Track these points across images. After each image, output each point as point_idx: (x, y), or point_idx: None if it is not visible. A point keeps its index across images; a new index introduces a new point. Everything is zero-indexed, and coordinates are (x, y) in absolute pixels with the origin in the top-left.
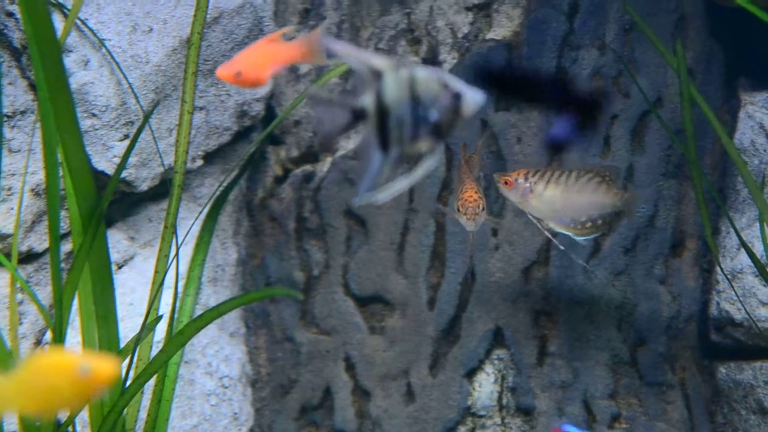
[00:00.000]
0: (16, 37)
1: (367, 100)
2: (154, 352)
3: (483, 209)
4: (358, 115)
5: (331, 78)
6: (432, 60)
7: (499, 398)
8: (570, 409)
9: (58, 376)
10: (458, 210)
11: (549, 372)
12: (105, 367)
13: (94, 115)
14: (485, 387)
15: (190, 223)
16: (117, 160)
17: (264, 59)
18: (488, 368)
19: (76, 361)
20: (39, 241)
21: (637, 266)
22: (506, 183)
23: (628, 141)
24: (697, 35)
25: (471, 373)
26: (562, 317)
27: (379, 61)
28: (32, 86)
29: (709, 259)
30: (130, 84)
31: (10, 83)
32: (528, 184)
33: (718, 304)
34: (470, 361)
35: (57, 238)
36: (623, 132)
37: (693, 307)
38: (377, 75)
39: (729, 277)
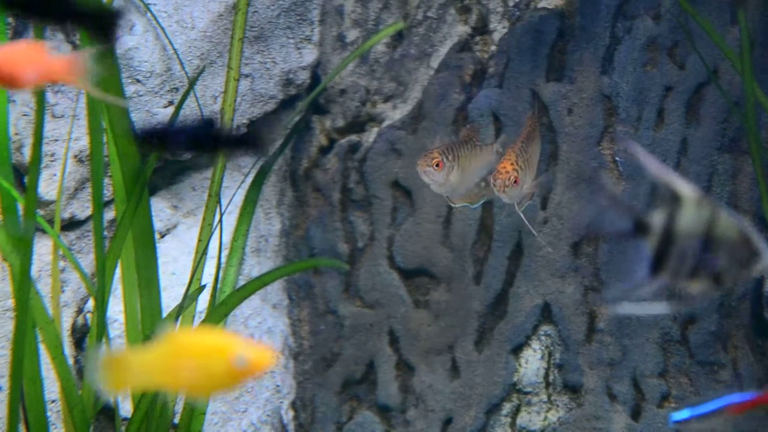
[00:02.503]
0: None
1: (656, 219)
2: (197, 322)
3: (515, 182)
4: (640, 229)
5: (374, 44)
6: (482, 29)
7: (546, 375)
8: (618, 387)
9: (212, 361)
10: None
11: (597, 349)
12: (263, 358)
13: (138, 81)
14: (532, 363)
15: (233, 193)
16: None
17: (16, 62)
18: (535, 344)
19: (233, 349)
20: (81, 208)
21: None
22: (437, 166)
23: (683, 114)
24: (757, 6)
25: (517, 349)
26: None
27: (686, 188)
28: (77, 50)
29: (765, 235)
30: (175, 50)
31: (54, 47)
32: (451, 165)
33: None
34: (517, 336)
35: (100, 205)
36: (678, 105)
37: (746, 285)
38: (677, 199)
39: None
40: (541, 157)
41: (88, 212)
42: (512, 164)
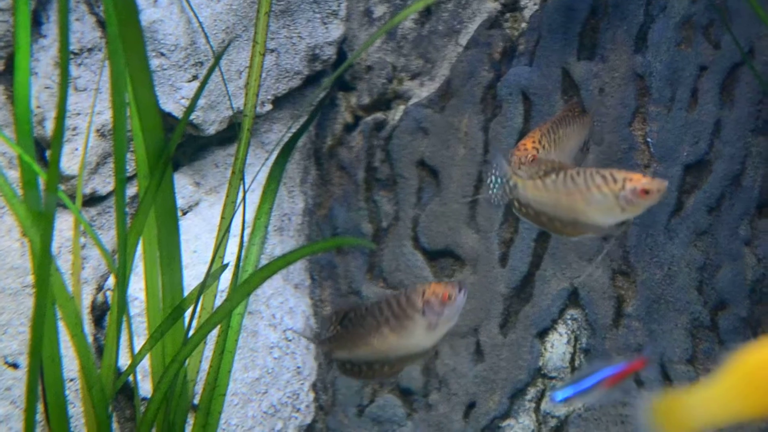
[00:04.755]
0: None
1: None
2: (218, 301)
3: (533, 160)
4: None
5: (403, 19)
6: (512, 5)
7: (572, 360)
8: (646, 373)
9: None
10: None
11: (625, 334)
12: None
13: (162, 54)
14: (557, 348)
15: (256, 170)
16: (185, 102)
17: None
18: (561, 328)
19: None
20: (103, 183)
21: (721, 226)
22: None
23: (717, 94)
24: None
25: (543, 333)
26: (640, 277)
27: None
28: (100, 23)
29: None
30: (200, 23)
31: (77, 19)
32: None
33: None
34: (543, 320)
35: (123, 180)
36: (712, 85)
37: None
38: None
39: None
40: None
41: (110, 188)
42: (533, 142)
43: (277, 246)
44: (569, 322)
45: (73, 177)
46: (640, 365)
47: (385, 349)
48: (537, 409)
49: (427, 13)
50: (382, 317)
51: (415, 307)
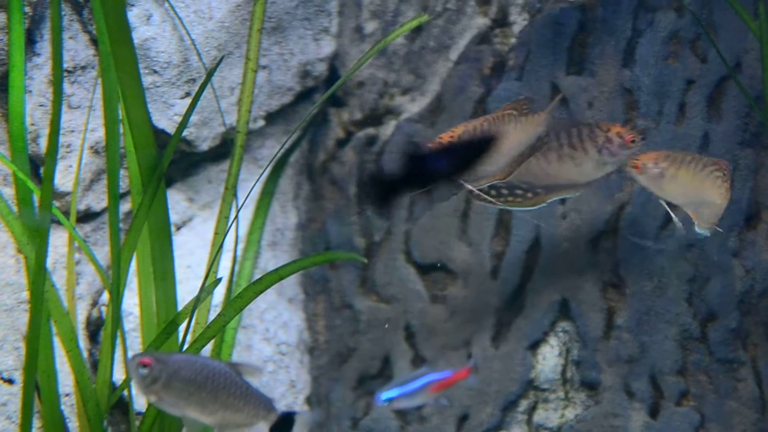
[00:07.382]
0: None
1: None
2: (212, 316)
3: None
4: None
5: (395, 38)
6: (502, 21)
7: (563, 372)
8: (637, 385)
9: None
10: None
11: (615, 346)
12: None
13: (155, 71)
14: (549, 360)
15: (250, 185)
16: (178, 119)
17: None
18: (553, 340)
19: None
20: (97, 200)
21: (709, 238)
22: (635, 167)
23: (704, 108)
24: None
25: (535, 346)
26: (630, 289)
27: None
28: (93, 41)
29: None
30: (192, 40)
31: (71, 37)
32: (658, 169)
33: None
34: (534, 332)
35: (116, 196)
36: (699, 98)
37: (767, 282)
38: None
39: None
40: None
41: (104, 204)
42: (451, 137)
43: (270, 260)
44: (560, 334)
45: (67, 194)
46: (465, 374)
47: (545, 174)
48: (529, 421)
49: (417, 29)
50: (556, 142)
51: (595, 141)
